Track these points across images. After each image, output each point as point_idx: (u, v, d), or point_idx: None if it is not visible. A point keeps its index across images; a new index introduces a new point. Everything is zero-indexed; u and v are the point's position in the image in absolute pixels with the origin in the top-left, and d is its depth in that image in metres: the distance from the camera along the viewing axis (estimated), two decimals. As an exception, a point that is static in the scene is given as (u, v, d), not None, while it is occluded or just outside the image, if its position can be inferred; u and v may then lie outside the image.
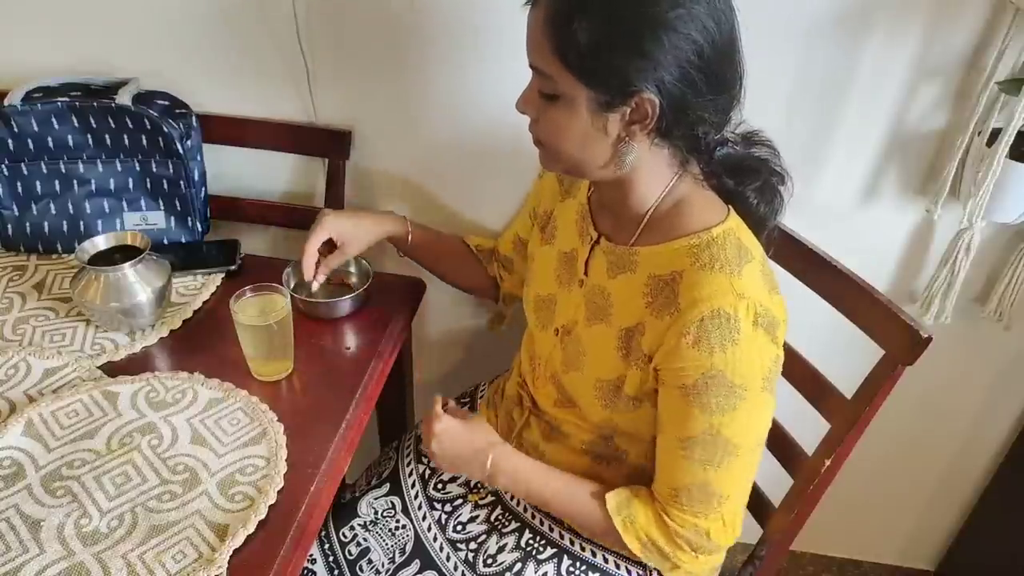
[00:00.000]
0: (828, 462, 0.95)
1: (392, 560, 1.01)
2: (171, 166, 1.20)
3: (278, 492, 0.85)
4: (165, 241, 1.24)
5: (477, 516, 1.03)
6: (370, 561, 1.01)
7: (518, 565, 0.96)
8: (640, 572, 0.97)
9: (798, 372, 1.01)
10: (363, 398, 0.99)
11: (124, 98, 1.15)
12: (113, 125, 1.16)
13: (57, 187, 1.20)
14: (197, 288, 1.16)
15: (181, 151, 1.18)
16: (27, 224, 1.20)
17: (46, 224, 1.21)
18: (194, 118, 1.22)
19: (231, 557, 0.78)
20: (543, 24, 0.73)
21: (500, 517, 1.02)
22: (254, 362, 1.00)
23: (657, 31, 0.70)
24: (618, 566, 0.97)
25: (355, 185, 1.31)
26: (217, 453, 0.89)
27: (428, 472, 1.08)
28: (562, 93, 0.75)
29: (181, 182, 1.21)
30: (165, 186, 1.21)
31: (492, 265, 1.18)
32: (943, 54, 1.04)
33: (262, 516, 0.82)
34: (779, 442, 1.03)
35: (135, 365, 1.02)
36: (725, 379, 0.77)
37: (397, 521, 1.04)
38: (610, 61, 0.71)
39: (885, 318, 0.91)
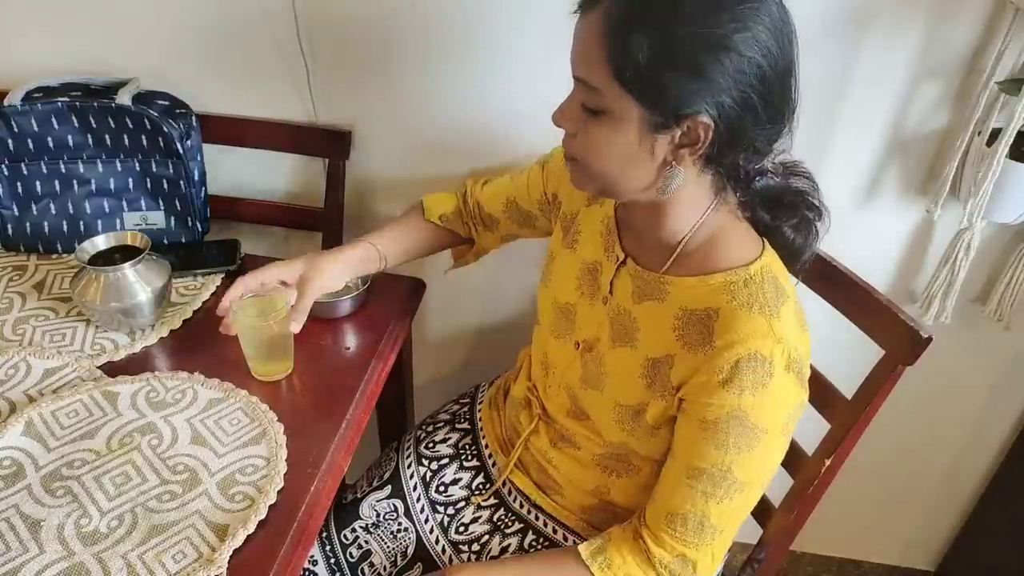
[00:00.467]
0: (828, 462, 0.95)
1: (394, 563, 1.00)
2: (171, 166, 1.20)
3: (278, 492, 0.85)
4: (165, 241, 1.24)
5: (480, 517, 1.03)
6: (372, 564, 1.01)
7: None
8: None
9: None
10: (363, 398, 0.99)
11: (124, 98, 1.15)
12: (113, 125, 1.16)
13: (57, 187, 1.20)
14: (197, 288, 1.16)
15: (181, 151, 1.18)
16: (27, 224, 1.20)
17: (46, 224, 1.21)
18: (194, 118, 1.22)
19: (231, 557, 0.78)
20: (599, 35, 0.69)
21: (503, 518, 1.02)
22: (254, 362, 1.00)
23: (719, 53, 0.66)
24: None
25: (355, 185, 1.31)
26: (217, 453, 0.89)
27: (429, 474, 1.08)
28: (609, 109, 0.71)
29: (181, 182, 1.21)
30: (165, 186, 1.21)
31: (464, 226, 1.12)
32: (943, 54, 1.04)
33: (262, 516, 0.82)
34: (779, 442, 1.03)
35: (135, 365, 1.02)
36: (748, 421, 0.76)
37: (399, 524, 1.04)
38: (669, 80, 0.67)
39: (885, 318, 0.91)
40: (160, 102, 1.20)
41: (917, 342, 0.87)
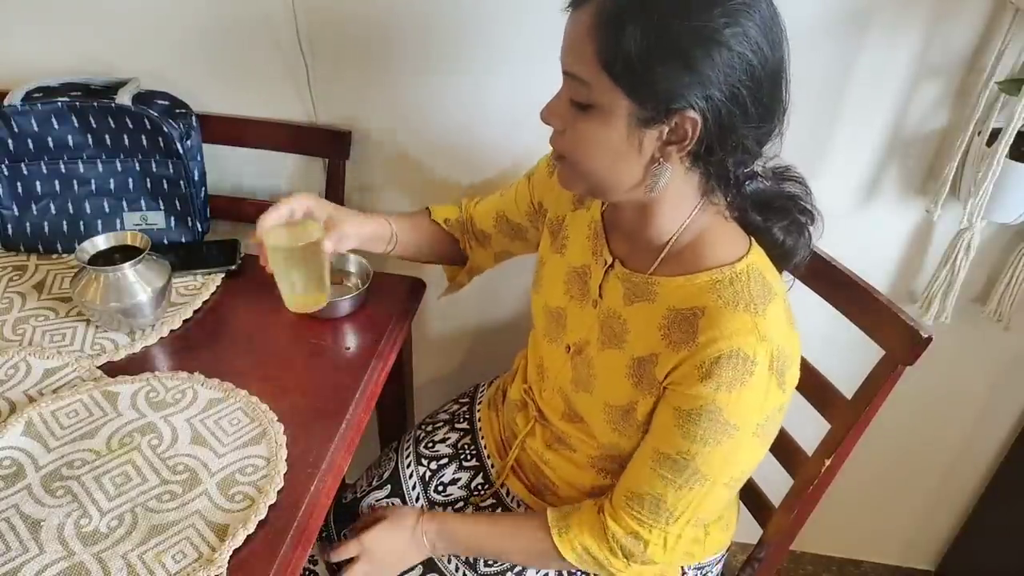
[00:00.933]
0: (828, 462, 0.95)
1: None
2: (171, 166, 1.20)
3: (278, 492, 0.85)
4: (165, 241, 1.24)
5: (478, 516, 1.03)
6: (371, 563, 1.01)
7: (519, 564, 0.96)
8: None
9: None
10: (363, 398, 0.99)
11: (124, 98, 1.15)
12: (113, 125, 1.16)
13: (57, 187, 1.20)
14: (197, 288, 1.16)
15: (181, 151, 1.18)
16: (27, 224, 1.20)
17: (46, 224, 1.21)
18: (194, 118, 1.22)
19: (231, 557, 0.78)
20: (589, 28, 0.69)
21: (500, 517, 1.02)
22: (288, 292, 0.96)
23: (710, 47, 0.66)
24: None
25: (355, 185, 1.31)
26: (217, 453, 0.89)
27: (429, 474, 1.08)
28: (598, 103, 0.71)
29: (181, 182, 1.21)
30: (165, 186, 1.21)
31: (462, 238, 1.13)
32: (943, 54, 1.04)
33: (262, 516, 0.82)
34: (779, 442, 1.02)
35: (135, 365, 1.02)
36: (721, 416, 0.77)
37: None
38: (659, 73, 0.67)
39: (885, 318, 0.91)
40: (160, 102, 1.20)
41: (917, 342, 0.87)
